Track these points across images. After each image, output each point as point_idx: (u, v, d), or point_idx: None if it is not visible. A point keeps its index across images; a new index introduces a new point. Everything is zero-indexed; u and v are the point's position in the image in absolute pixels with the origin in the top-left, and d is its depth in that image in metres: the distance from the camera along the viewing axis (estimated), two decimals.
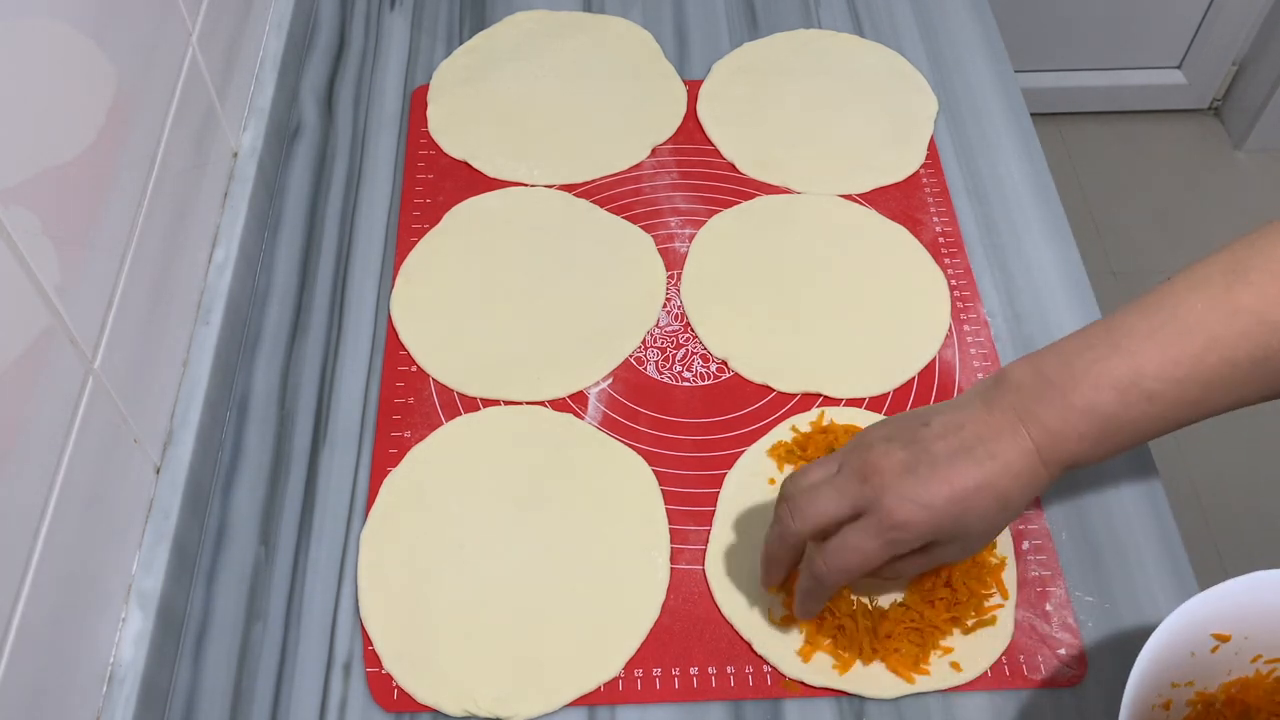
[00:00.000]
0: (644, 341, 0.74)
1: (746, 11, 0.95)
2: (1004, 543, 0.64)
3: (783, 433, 0.69)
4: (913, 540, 0.54)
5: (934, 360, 0.73)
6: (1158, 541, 0.66)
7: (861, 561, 0.54)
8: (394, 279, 0.77)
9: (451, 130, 0.85)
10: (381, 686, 0.60)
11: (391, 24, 0.94)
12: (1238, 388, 0.53)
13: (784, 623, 0.61)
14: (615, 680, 0.60)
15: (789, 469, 0.67)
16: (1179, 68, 1.98)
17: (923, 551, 0.56)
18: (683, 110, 0.87)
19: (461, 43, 0.92)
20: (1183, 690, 0.54)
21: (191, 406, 0.66)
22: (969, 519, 0.54)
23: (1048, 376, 0.54)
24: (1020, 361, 0.56)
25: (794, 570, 0.59)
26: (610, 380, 0.72)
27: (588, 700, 0.60)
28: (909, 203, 0.82)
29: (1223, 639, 0.52)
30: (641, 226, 0.80)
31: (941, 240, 0.80)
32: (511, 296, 0.76)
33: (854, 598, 0.61)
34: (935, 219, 0.81)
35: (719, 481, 0.67)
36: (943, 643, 0.61)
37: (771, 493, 0.66)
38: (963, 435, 0.54)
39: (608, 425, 0.70)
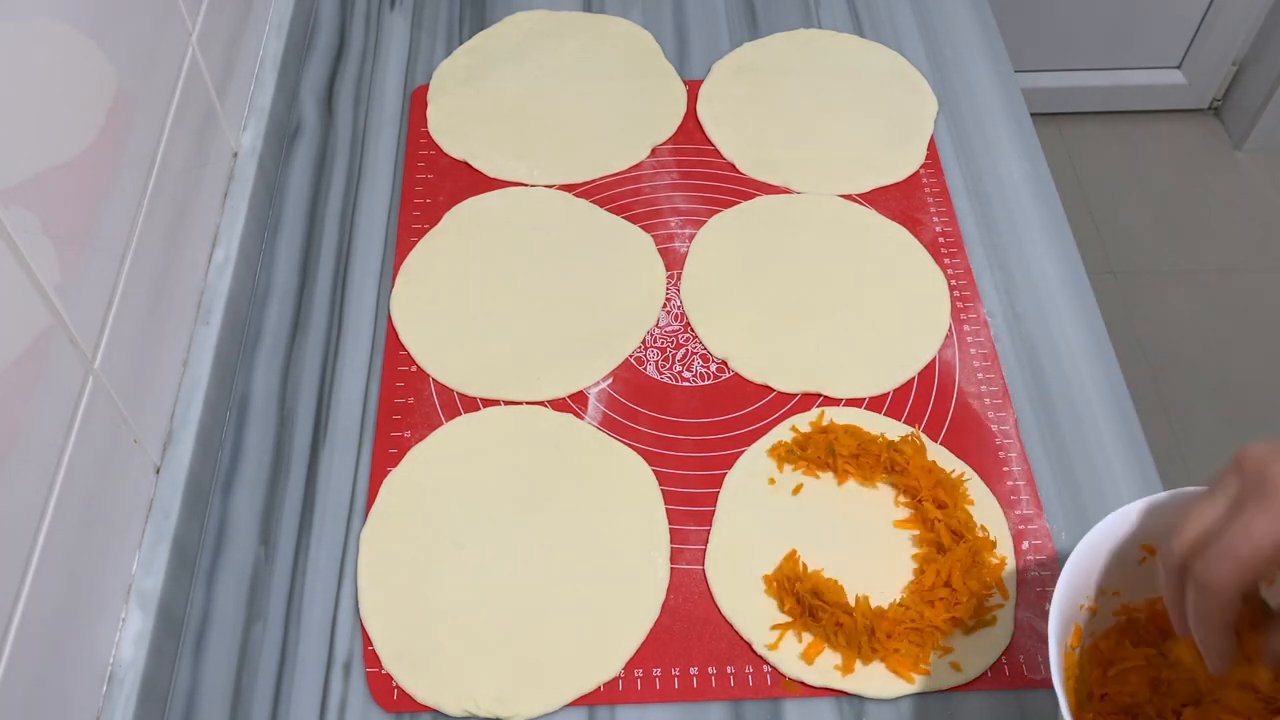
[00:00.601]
0: (644, 341, 0.74)
1: (746, 11, 0.95)
2: (1004, 543, 0.65)
3: (783, 433, 0.69)
4: None
5: (934, 360, 0.73)
6: None
7: (1250, 546, 0.44)
8: (394, 279, 0.77)
9: (451, 130, 0.85)
10: (381, 686, 0.60)
11: (391, 24, 0.94)
12: None
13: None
14: (615, 680, 0.60)
15: (789, 469, 0.67)
16: (1179, 68, 1.98)
17: None
18: (682, 110, 0.87)
19: (461, 43, 0.92)
20: (1109, 599, 0.54)
21: (191, 406, 0.66)
22: None
23: None
24: None
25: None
26: (610, 380, 0.72)
27: (588, 700, 0.60)
28: (909, 203, 0.82)
29: (1149, 551, 0.53)
30: (641, 226, 0.80)
31: (941, 240, 0.80)
32: (511, 296, 0.76)
33: (854, 596, 0.61)
34: (935, 219, 0.81)
35: (719, 481, 0.67)
36: (943, 643, 0.61)
37: (772, 492, 0.66)
38: None
39: (608, 425, 0.70)
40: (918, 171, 0.84)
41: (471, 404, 0.71)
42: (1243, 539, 0.44)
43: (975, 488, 0.67)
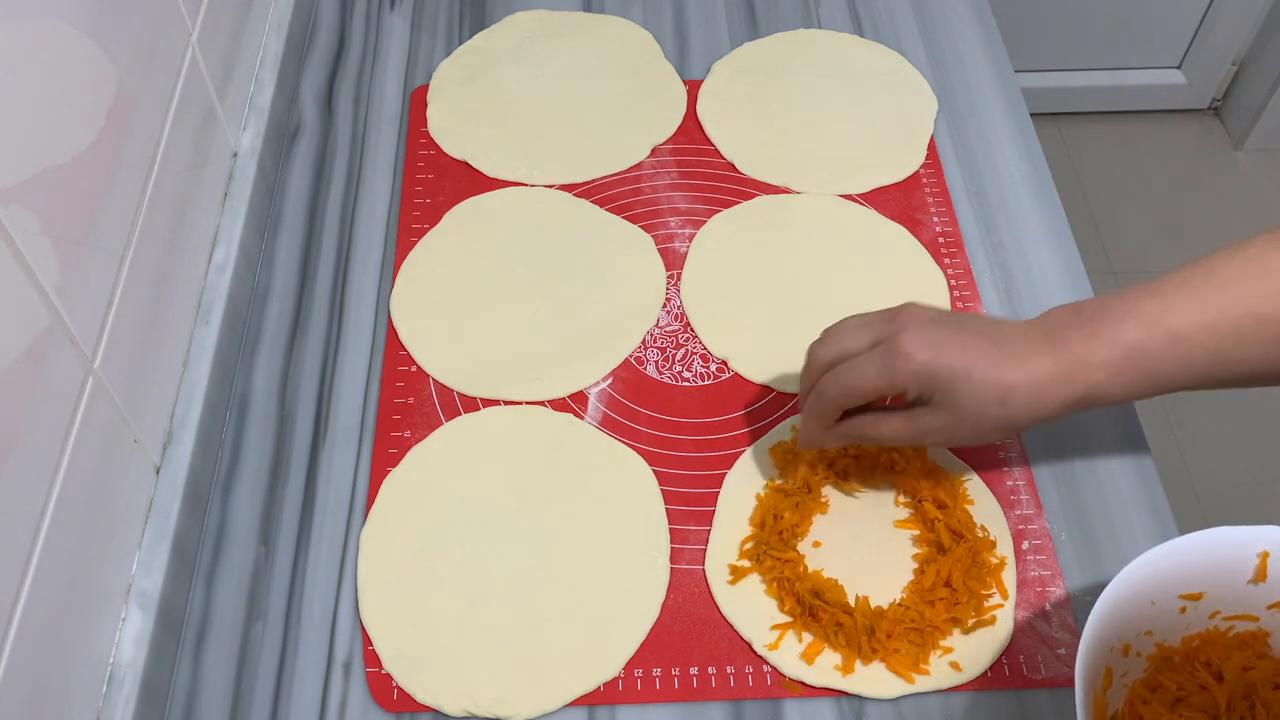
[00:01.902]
0: (644, 341, 0.74)
1: (746, 11, 0.95)
2: (1004, 543, 0.65)
3: (783, 433, 0.69)
4: (908, 377, 0.56)
5: None
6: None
7: (858, 381, 0.58)
8: (394, 279, 0.77)
9: (451, 130, 0.85)
10: (381, 686, 0.60)
11: (391, 24, 0.94)
12: (1262, 346, 0.55)
13: (784, 458, 0.66)
14: (615, 680, 0.60)
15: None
16: (1179, 68, 1.98)
17: (908, 413, 0.59)
18: (683, 110, 0.87)
19: (461, 43, 0.92)
20: (1143, 640, 0.55)
21: (191, 406, 0.66)
22: (963, 389, 0.56)
23: (1083, 311, 0.57)
24: (1064, 304, 0.59)
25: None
26: (610, 380, 0.72)
27: (588, 700, 0.60)
28: (909, 203, 0.82)
29: (1193, 598, 0.54)
30: (641, 226, 0.80)
31: (941, 240, 0.80)
32: (511, 296, 0.76)
33: (854, 596, 0.61)
34: (935, 219, 0.81)
35: (719, 481, 0.67)
36: (943, 643, 0.61)
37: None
38: (998, 330, 0.58)
39: (608, 425, 0.70)
40: (918, 171, 0.84)
41: (471, 404, 0.71)
42: (857, 376, 0.58)
43: (975, 488, 0.67)
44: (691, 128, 0.86)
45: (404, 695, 0.60)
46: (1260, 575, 0.54)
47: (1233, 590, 0.54)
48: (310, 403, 0.71)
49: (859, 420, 0.61)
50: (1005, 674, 0.60)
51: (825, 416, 0.61)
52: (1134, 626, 0.54)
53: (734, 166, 0.84)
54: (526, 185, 0.82)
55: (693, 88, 0.89)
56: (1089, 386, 0.56)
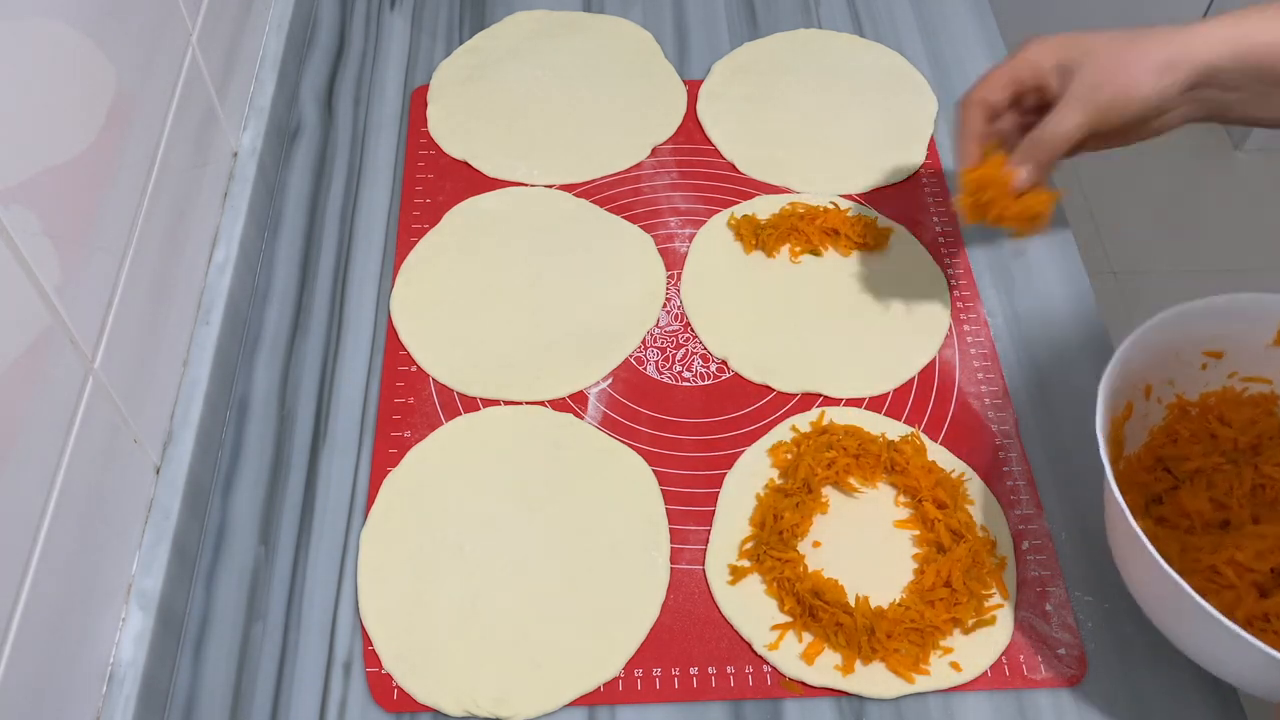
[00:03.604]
0: (644, 341, 0.74)
1: (746, 11, 0.95)
2: (1004, 543, 0.65)
3: (783, 433, 0.69)
4: (1036, 50, 0.65)
5: (934, 360, 0.73)
6: None
7: (987, 80, 0.65)
8: (394, 279, 0.77)
9: (451, 130, 0.85)
10: (381, 686, 0.60)
11: (391, 24, 0.94)
12: None
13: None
14: (615, 680, 0.60)
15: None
16: None
17: (1066, 98, 0.63)
18: (683, 110, 0.87)
19: (461, 43, 0.92)
20: (1164, 387, 0.61)
21: (191, 406, 0.66)
22: (1100, 48, 0.63)
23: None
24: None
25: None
26: (610, 380, 0.72)
27: (588, 700, 0.60)
28: (909, 203, 0.82)
29: (1214, 356, 0.61)
30: (641, 226, 0.80)
31: (941, 240, 0.80)
32: (511, 296, 0.76)
33: (854, 596, 0.61)
34: (935, 219, 0.81)
35: (719, 481, 0.67)
36: (943, 643, 0.61)
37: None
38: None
39: (608, 425, 0.70)
40: (918, 171, 0.84)
41: (471, 404, 0.71)
42: (984, 77, 0.65)
43: (975, 488, 0.67)
44: (691, 128, 0.86)
45: (404, 695, 0.60)
46: (1279, 340, 0.60)
47: (1251, 352, 0.60)
48: (310, 403, 0.71)
49: (1033, 135, 0.64)
50: (1005, 674, 0.60)
51: (970, 130, 0.65)
52: (1159, 371, 0.60)
53: (734, 166, 0.84)
54: (526, 185, 0.82)
55: (693, 88, 0.89)
56: (1207, 63, 0.60)
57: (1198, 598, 0.49)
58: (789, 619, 0.61)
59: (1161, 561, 0.50)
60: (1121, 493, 0.54)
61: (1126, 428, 0.61)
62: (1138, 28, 0.63)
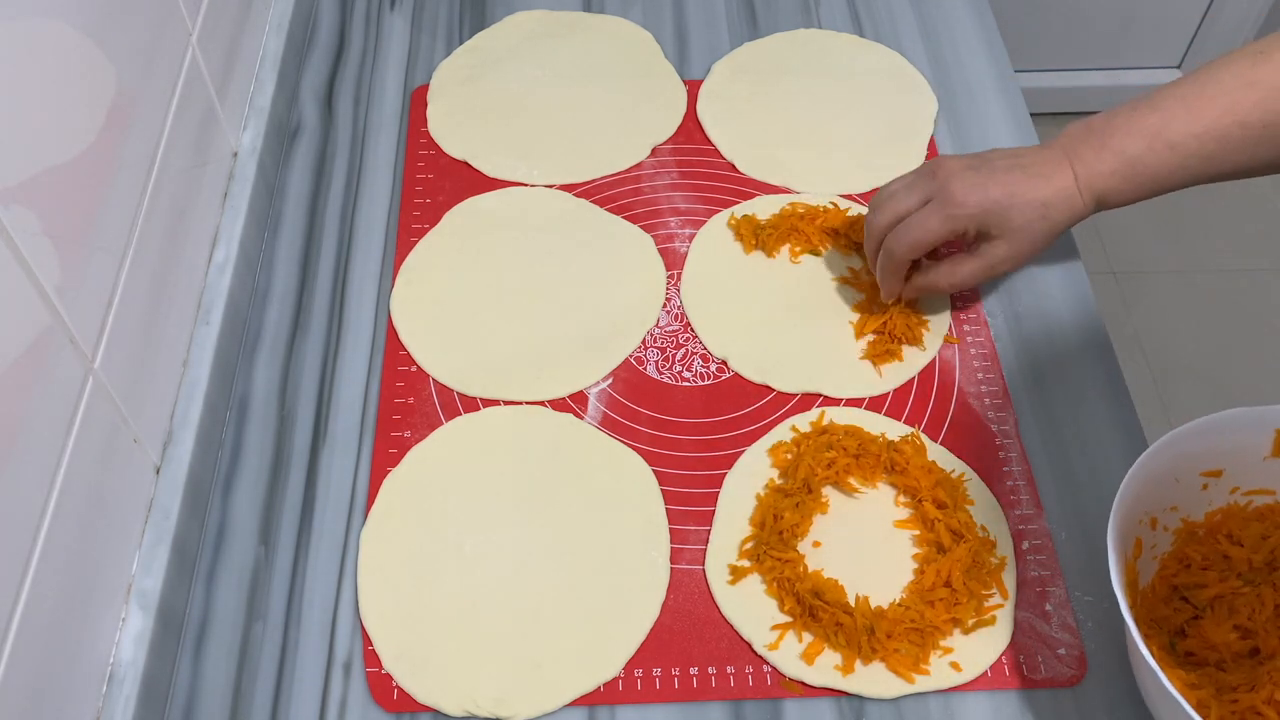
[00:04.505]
0: (644, 341, 0.74)
1: (746, 11, 0.95)
2: (1004, 543, 0.65)
3: (783, 433, 0.69)
4: (965, 219, 0.67)
5: (934, 360, 0.73)
6: None
7: (923, 235, 0.67)
8: (394, 279, 0.77)
9: (451, 130, 0.85)
10: (381, 686, 0.60)
11: (391, 24, 0.94)
12: (1249, 147, 0.64)
13: (861, 309, 0.74)
14: (615, 680, 0.60)
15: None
16: (1179, 68, 1.98)
17: (975, 254, 0.69)
18: (683, 110, 0.87)
19: (461, 43, 0.92)
20: (1169, 515, 0.60)
21: (191, 406, 0.66)
22: (1015, 215, 0.67)
23: (1093, 127, 0.67)
24: (1076, 122, 0.68)
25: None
26: (610, 380, 0.72)
27: (588, 700, 0.60)
28: None
29: (1213, 475, 0.60)
30: (641, 226, 0.80)
31: None
32: (511, 296, 0.76)
33: (854, 596, 0.61)
34: None
35: (719, 481, 0.67)
36: (943, 643, 0.61)
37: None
38: (1020, 160, 0.68)
39: (608, 425, 0.70)
40: None
41: (471, 404, 0.71)
42: (920, 230, 0.68)
43: (975, 488, 0.67)
44: (691, 128, 0.86)
45: (404, 695, 0.60)
46: (1276, 451, 0.59)
47: (1250, 466, 0.60)
48: (310, 403, 0.71)
49: (932, 274, 0.71)
50: (1005, 674, 0.60)
51: (898, 271, 0.70)
52: (1160, 501, 0.59)
53: (734, 166, 0.84)
54: (526, 185, 0.82)
55: (693, 88, 0.89)
56: (1102, 192, 0.67)
57: None
58: (789, 619, 0.61)
59: None
60: (1143, 630, 0.53)
61: (1138, 564, 0.60)
62: (1044, 165, 0.67)
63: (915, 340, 0.73)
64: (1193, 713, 0.48)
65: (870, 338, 0.73)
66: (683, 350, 0.74)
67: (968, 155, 0.69)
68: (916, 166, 0.83)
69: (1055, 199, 0.67)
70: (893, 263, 0.69)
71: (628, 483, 0.67)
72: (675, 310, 0.76)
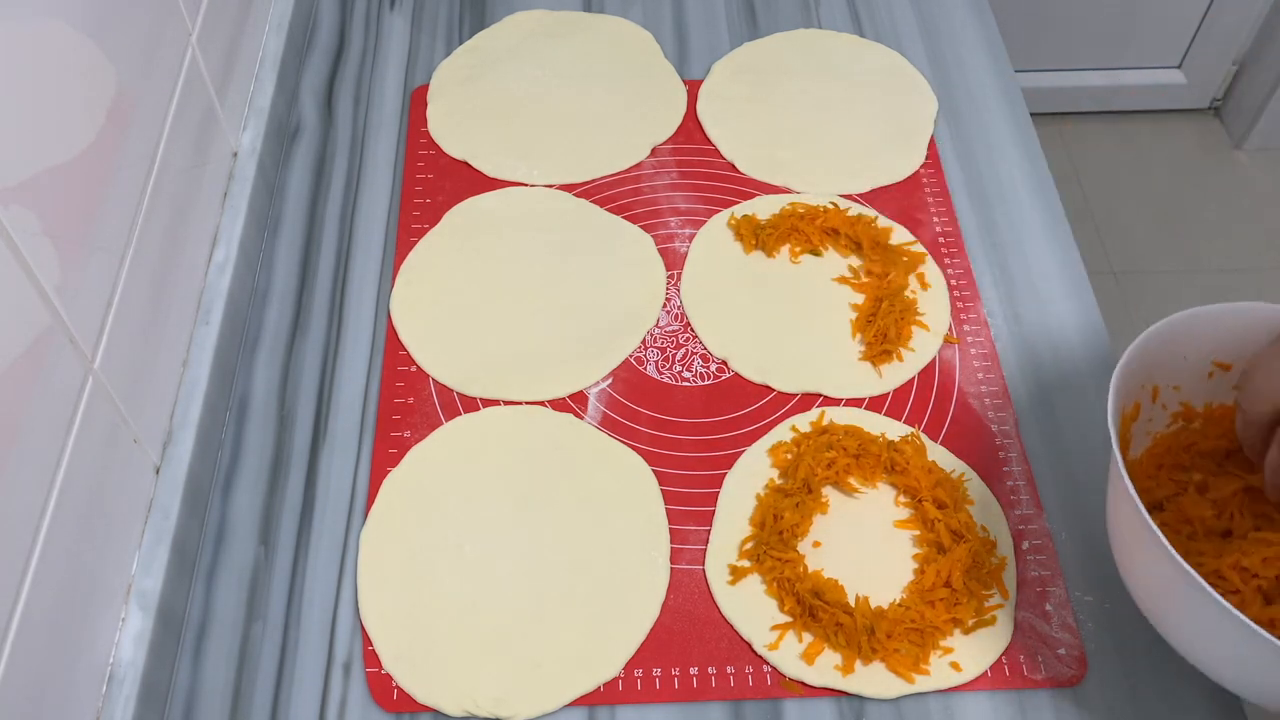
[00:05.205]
0: (644, 341, 0.74)
1: (746, 11, 0.95)
2: (1004, 543, 0.65)
3: (783, 433, 0.69)
4: None
5: (934, 360, 0.73)
6: None
7: None
8: (394, 279, 0.77)
9: (451, 130, 0.85)
10: (381, 686, 0.60)
11: (391, 24, 0.94)
12: None
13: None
14: (615, 680, 0.60)
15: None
16: (1179, 68, 1.98)
17: None
18: (683, 110, 0.87)
19: (461, 43, 0.92)
20: (1170, 393, 0.60)
21: (191, 406, 0.66)
22: None
23: None
24: None
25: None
26: (610, 380, 0.72)
27: (588, 700, 0.60)
28: (909, 203, 0.82)
29: (1221, 366, 0.59)
30: (641, 226, 0.80)
31: (941, 240, 0.80)
32: (511, 296, 0.76)
33: (854, 596, 0.61)
34: (935, 219, 0.81)
35: (719, 481, 0.67)
36: (943, 643, 0.61)
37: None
38: None
39: (608, 425, 0.70)
40: (918, 171, 0.84)
41: (471, 404, 0.71)
42: None
43: (975, 488, 0.67)
44: (691, 128, 0.86)
45: (404, 695, 0.60)
46: None
47: None
48: (310, 403, 0.71)
49: None
50: (1005, 674, 0.60)
51: None
52: (1166, 375, 0.59)
53: (734, 166, 0.84)
54: (526, 185, 0.82)
55: (693, 88, 0.89)
56: None
57: (1212, 590, 0.47)
58: (789, 619, 0.61)
59: (1174, 552, 0.49)
60: None
61: (1133, 429, 0.61)
62: None
63: (905, 340, 0.72)
64: (1165, 541, 0.48)
65: (864, 339, 0.73)
66: (683, 350, 0.74)
67: None
68: (916, 165, 0.84)
69: None
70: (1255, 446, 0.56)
71: (628, 483, 0.67)
72: (675, 310, 0.76)
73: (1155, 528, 0.49)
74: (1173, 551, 0.49)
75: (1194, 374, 0.61)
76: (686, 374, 0.72)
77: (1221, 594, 0.53)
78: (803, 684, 0.60)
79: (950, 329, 0.74)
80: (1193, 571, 0.48)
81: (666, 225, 0.80)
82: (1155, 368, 0.59)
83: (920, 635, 0.60)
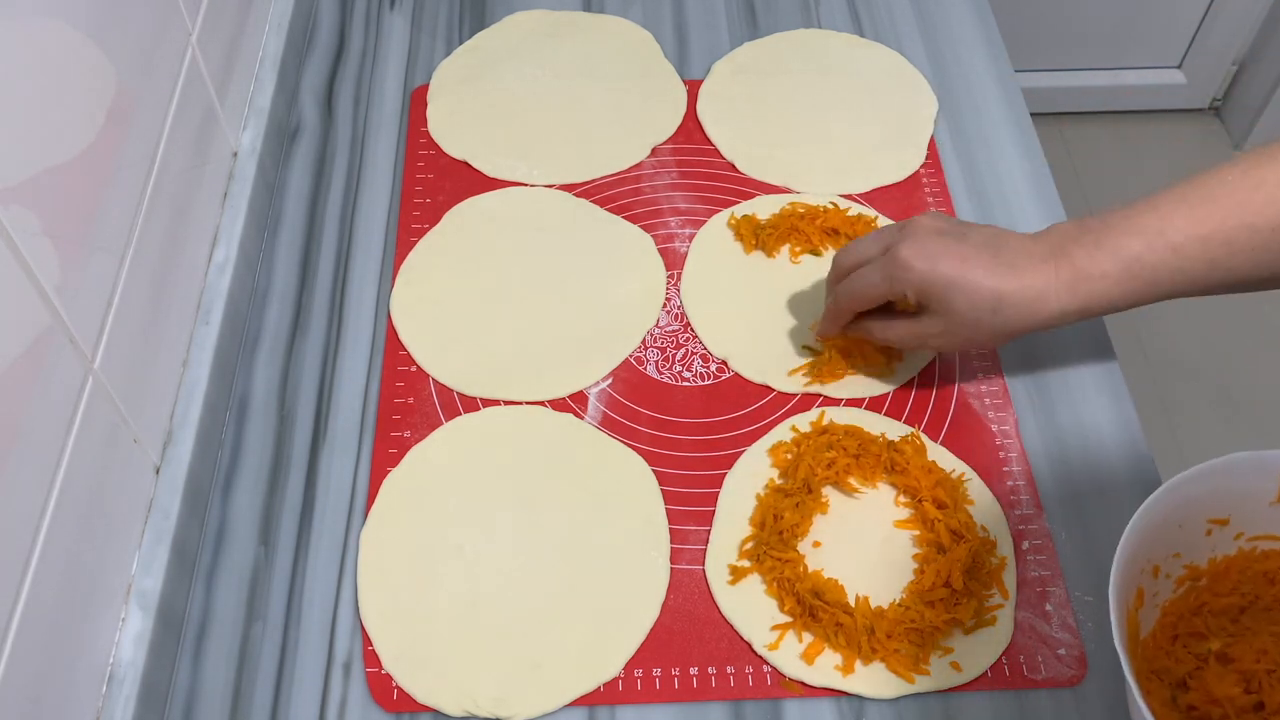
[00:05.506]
0: (644, 341, 0.74)
1: (746, 11, 0.95)
2: (1004, 543, 0.65)
3: (783, 433, 0.69)
4: (906, 286, 0.62)
5: (934, 360, 0.73)
6: None
7: (863, 288, 0.64)
8: (394, 279, 0.77)
9: (451, 130, 0.85)
10: (381, 686, 0.60)
11: (391, 24, 0.94)
12: (1258, 252, 0.58)
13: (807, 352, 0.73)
14: (615, 680, 0.60)
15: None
16: (1179, 68, 1.98)
17: (911, 318, 0.64)
18: (682, 110, 0.87)
19: (461, 43, 0.92)
20: (1171, 562, 0.58)
21: (191, 406, 0.66)
22: (958, 297, 0.61)
23: (1087, 226, 0.61)
24: (1069, 220, 0.63)
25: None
26: (610, 380, 0.72)
27: (588, 700, 0.60)
28: (909, 203, 0.82)
29: (1219, 523, 0.58)
30: (641, 226, 0.80)
31: None
32: (511, 296, 0.76)
33: (854, 596, 0.61)
34: None
35: (719, 481, 0.67)
36: (943, 643, 0.61)
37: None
38: (999, 241, 0.61)
39: (608, 425, 0.70)
40: (918, 171, 0.84)
41: (471, 404, 0.71)
42: (861, 284, 0.64)
43: (975, 488, 0.67)
44: (691, 128, 0.86)
45: (404, 695, 0.60)
46: None
47: (1256, 513, 0.58)
48: (310, 403, 0.71)
49: (870, 323, 0.67)
50: (1005, 674, 0.60)
51: (839, 317, 0.67)
52: (1163, 549, 0.57)
53: (734, 166, 0.84)
54: (526, 185, 0.82)
55: (693, 88, 0.89)
56: (1090, 296, 0.60)
57: None
58: (789, 619, 0.61)
59: None
60: (1145, 685, 0.52)
61: (1140, 615, 0.58)
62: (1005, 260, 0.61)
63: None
64: None
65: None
66: (683, 350, 0.74)
67: (950, 219, 0.64)
68: (916, 165, 0.84)
69: (1015, 296, 0.60)
70: (835, 308, 0.67)
71: (628, 483, 0.67)
72: (675, 310, 0.76)
73: None
74: None
75: (1191, 538, 0.58)
76: (686, 374, 0.72)
77: None
78: (803, 684, 0.60)
79: None
80: None
81: (666, 225, 0.80)
82: (1152, 546, 0.56)
83: (920, 635, 0.60)
